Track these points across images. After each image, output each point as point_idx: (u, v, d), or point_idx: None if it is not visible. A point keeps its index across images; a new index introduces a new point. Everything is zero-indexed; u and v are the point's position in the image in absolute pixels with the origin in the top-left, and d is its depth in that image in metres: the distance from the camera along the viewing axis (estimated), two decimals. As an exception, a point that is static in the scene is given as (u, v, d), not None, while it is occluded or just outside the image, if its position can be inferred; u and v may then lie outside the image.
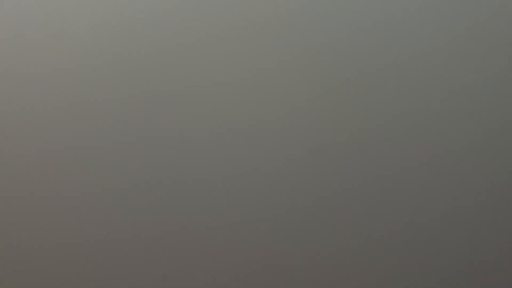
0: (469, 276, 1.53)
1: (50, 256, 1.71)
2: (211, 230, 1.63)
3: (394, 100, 1.55)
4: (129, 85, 1.66)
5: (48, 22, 1.70)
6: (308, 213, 1.59)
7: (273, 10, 1.59)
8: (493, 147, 1.51)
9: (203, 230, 1.64)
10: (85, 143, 1.68)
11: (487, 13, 1.51)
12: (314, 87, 1.58)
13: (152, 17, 1.65)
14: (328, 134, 1.57)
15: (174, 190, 1.65)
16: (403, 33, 1.54)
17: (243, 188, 1.62)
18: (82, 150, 1.69)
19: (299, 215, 1.59)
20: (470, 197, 1.52)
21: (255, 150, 1.61)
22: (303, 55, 1.58)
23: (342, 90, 1.57)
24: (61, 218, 1.70)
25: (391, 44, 1.55)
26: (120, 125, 1.67)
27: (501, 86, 1.51)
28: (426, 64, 1.53)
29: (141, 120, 1.66)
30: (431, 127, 1.53)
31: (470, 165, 1.52)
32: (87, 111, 1.68)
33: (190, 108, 1.64)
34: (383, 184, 1.55)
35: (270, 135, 1.60)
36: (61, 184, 1.70)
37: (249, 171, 1.61)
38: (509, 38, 1.50)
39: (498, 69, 1.51)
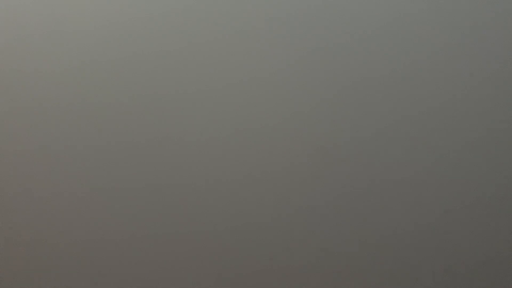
0: (469, 277, 1.53)
1: (50, 255, 1.71)
2: (212, 231, 1.63)
3: (396, 102, 1.55)
4: (131, 87, 1.67)
5: (49, 23, 1.70)
6: (311, 214, 1.59)
7: (276, 13, 1.59)
8: (494, 149, 1.52)
9: (205, 231, 1.64)
10: (87, 143, 1.69)
11: (488, 15, 1.51)
12: (317, 89, 1.58)
13: (155, 19, 1.65)
14: (331, 136, 1.58)
15: (177, 191, 1.65)
16: (406, 36, 1.54)
17: (245, 190, 1.62)
18: (84, 151, 1.69)
19: (301, 216, 1.59)
20: (471, 198, 1.53)
21: (257, 153, 1.61)
22: (306, 58, 1.58)
23: (346, 92, 1.57)
24: (62, 219, 1.70)
25: (394, 48, 1.55)
26: (122, 126, 1.67)
27: (503, 90, 1.51)
28: (429, 67, 1.53)
29: (144, 122, 1.66)
30: (433, 129, 1.53)
31: (471, 166, 1.52)
32: (89, 112, 1.69)
33: (192, 110, 1.64)
34: (385, 186, 1.55)
35: (273, 138, 1.60)
36: (63, 184, 1.70)
37: (251, 173, 1.61)
38: (509, 39, 1.51)
39: (499, 72, 1.51)
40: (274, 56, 1.60)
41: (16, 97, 1.71)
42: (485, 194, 1.52)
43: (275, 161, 1.60)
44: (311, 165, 1.58)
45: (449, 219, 1.53)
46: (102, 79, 1.67)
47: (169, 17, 1.64)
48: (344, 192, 1.57)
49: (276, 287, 1.60)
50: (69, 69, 1.69)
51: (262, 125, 1.60)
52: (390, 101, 1.55)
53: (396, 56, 1.55)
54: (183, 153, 1.64)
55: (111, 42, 1.67)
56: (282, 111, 1.59)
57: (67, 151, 1.69)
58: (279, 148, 1.60)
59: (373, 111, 1.56)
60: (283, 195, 1.60)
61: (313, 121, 1.58)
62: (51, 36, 1.69)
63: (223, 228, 1.63)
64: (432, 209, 1.54)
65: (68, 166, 1.69)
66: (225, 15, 1.62)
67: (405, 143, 1.55)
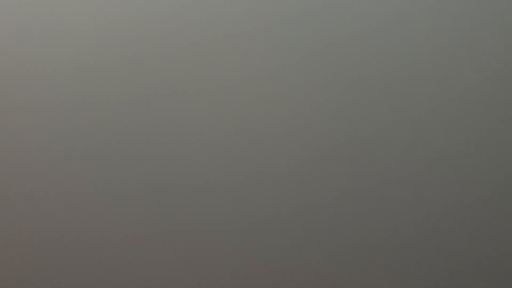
0: (470, 277, 1.53)
1: (50, 256, 1.71)
2: (212, 232, 1.63)
3: (396, 103, 1.55)
4: (131, 87, 1.66)
5: (49, 23, 1.70)
6: (311, 215, 1.59)
7: (276, 14, 1.59)
8: (494, 149, 1.52)
9: (205, 231, 1.64)
10: (87, 143, 1.68)
11: (488, 15, 1.51)
12: (317, 90, 1.58)
13: (155, 19, 1.65)
14: (331, 137, 1.57)
15: (177, 191, 1.64)
16: (404, 38, 1.54)
17: (245, 191, 1.62)
18: (83, 151, 1.69)
19: (301, 217, 1.59)
20: (470, 199, 1.53)
21: (257, 153, 1.61)
22: (305, 60, 1.58)
23: (346, 93, 1.57)
24: (62, 219, 1.70)
25: (393, 49, 1.55)
26: (122, 126, 1.67)
27: (503, 90, 1.51)
28: (428, 68, 1.53)
29: (144, 122, 1.66)
30: (434, 130, 1.53)
31: (472, 167, 1.52)
32: (89, 112, 1.68)
33: (192, 111, 1.64)
34: (385, 187, 1.55)
35: (273, 138, 1.60)
36: (63, 185, 1.70)
37: (251, 174, 1.61)
38: (509, 39, 1.51)
39: (499, 72, 1.51)
40: (274, 57, 1.60)
41: (16, 97, 1.71)
42: (485, 194, 1.52)
43: (275, 162, 1.60)
44: (311, 166, 1.58)
45: (449, 220, 1.53)
46: (101, 79, 1.67)
47: (169, 18, 1.64)
48: (344, 193, 1.57)
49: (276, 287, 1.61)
50: (69, 69, 1.69)
51: (262, 126, 1.60)
52: (390, 102, 1.55)
53: (395, 57, 1.55)
54: (183, 154, 1.64)
55: (111, 43, 1.67)
56: (282, 112, 1.59)
57: (66, 151, 1.69)
58: (279, 149, 1.60)
59: (373, 112, 1.56)
60: (283, 196, 1.60)
61: (313, 122, 1.58)
62: (51, 36, 1.69)
63: (222, 229, 1.63)
64: (432, 210, 1.54)
65: (68, 166, 1.69)
66: (225, 16, 1.62)
67: (405, 144, 1.54)
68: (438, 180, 1.53)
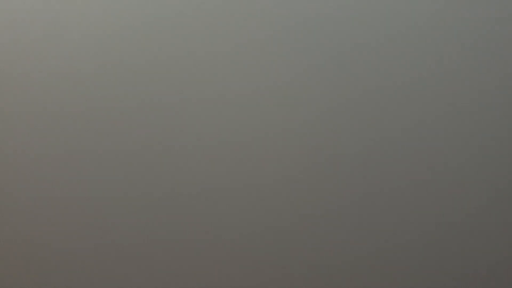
0: (472, 281, 1.53)
1: (50, 257, 1.71)
2: (214, 238, 1.64)
3: (402, 110, 1.55)
4: (131, 90, 1.66)
5: (50, 26, 1.70)
6: (314, 220, 1.59)
7: (277, 14, 1.59)
8: (496, 151, 1.52)
9: (206, 238, 1.64)
10: (88, 147, 1.69)
11: (490, 15, 1.51)
12: (322, 96, 1.58)
13: (158, 24, 1.65)
14: (336, 143, 1.58)
15: (180, 197, 1.65)
16: (407, 38, 1.54)
17: (248, 196, 1.62)
18: (85, 155, 1.69)
19: (304, 222, 1.60)
20: (474, 200, 1.53)
21: (261, 159, 1.61)
22: (312, 65, 1.58)
23: (350, 99, 1.57)
24: (63, 222, 1.70)
25: (396, 57, 1.55)
26: (124, 131, 1.67)
27: (505, 90, 1.51)
28: (438, 77, 1.53)
29: (146, 126, 1.66)
30: (438, 136, 1.53)
31: (473, 168, 1.52)
32: (93, 117, 1.68)
33: (196, 116, 1.64)
34: (390, 194, 1.55)
35: (276, 144, 1.60)
36: (64, 189, 1.70)
37: (254, 180, 1.61)
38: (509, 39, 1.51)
39: (501, 72, 1.51)
40: (278, 63, 1.59)
41: (16, 99, 1.71)
42: (488, 198, 1.52)
43: (280, 168, 1.60)
44: (316, 172, 1.58)
45: (452, 227, 1.54)
46: (103, 82, 1.67)
47: (173, 21, 1.64)
48: (348, 199, 1.57)
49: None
50: (69, 71, 1.69)
51: (266, 131, 1.60)
52: (395, 109, 1.55)
53: (401, 65, 1.54)
54: (186, 159, 1.64)
55: (112, 45, 1.67)
56: (287, 118, 1.59)
57: (67, 154, 1.69)
58: (284, 155, 1.60)
59: (379, 118, 1.56)
60: (287, 202, 1.60)
61: (317, 128, 1.58)
62: (51, 37, 1.69)
63: (225, 234, 1.63)
64: (436, 216, 1.54)
65: (68, 169, 1.69)
66: (231, 21, 1.61)
67: (411, 151, 1.55)
68: (443, 188, 1.53)
